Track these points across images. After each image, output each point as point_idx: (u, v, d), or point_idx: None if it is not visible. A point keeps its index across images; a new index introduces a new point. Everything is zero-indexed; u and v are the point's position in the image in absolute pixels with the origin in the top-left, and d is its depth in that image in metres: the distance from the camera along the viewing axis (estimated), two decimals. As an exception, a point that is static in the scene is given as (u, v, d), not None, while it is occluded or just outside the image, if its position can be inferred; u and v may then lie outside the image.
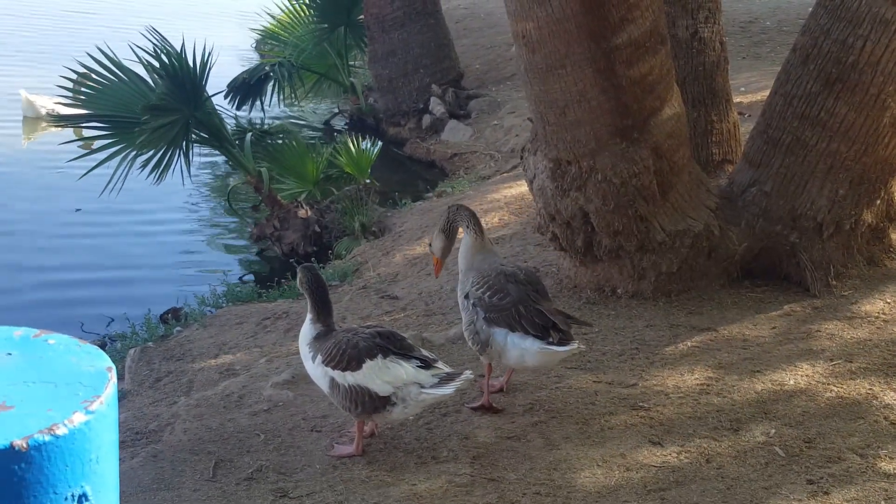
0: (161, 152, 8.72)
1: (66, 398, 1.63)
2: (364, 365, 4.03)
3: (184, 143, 8.85)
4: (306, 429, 4.53)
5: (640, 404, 4.67)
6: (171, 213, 10.94)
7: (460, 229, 4.91)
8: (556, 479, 4.05)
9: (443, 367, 4.11)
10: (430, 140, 14.00)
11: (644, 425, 4.48)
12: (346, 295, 6.86)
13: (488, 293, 4.62)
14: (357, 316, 6.23)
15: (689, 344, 5.36)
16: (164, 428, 4.62)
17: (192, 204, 11.41)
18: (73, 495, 1.59)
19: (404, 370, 4.01)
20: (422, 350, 4.19)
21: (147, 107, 8.55)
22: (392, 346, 4.09)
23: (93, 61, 8.77)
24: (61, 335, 1.84)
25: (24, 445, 1.51)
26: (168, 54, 8.67)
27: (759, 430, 4.39)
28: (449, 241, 4.99)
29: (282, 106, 15.15)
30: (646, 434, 4.40)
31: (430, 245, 5.07)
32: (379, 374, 4.00)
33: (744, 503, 3.83)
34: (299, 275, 4.37)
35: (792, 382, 4.84)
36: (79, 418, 1.59)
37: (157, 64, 8.70)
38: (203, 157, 11.49)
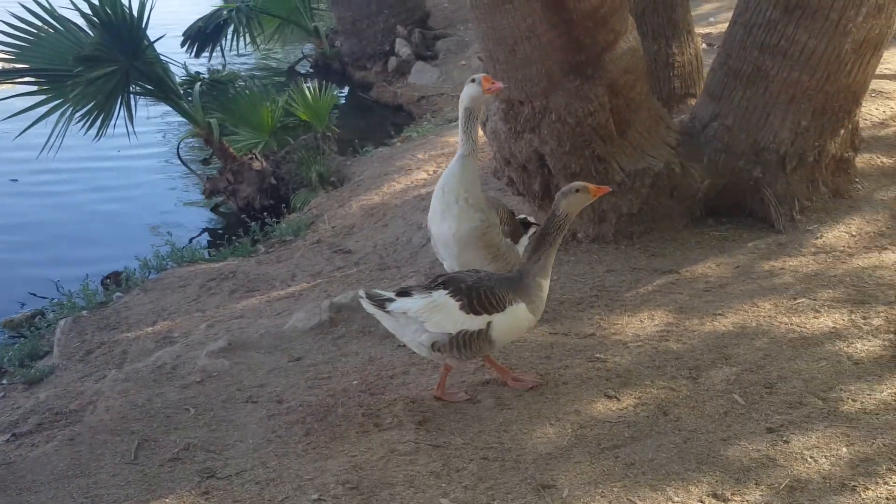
0: (99, 106, 8.28)
1: None
2: None
3: (123, 95, 8.41)
4: (241, 400, 4.27)
5: (597, 356, 4.47)
6: (117, 171, 10.57)
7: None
8: (506, 441, 3.84)
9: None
10: (396, 83, 13.63)
11: (600, 378, 4.27)
12: (298, 251, 6.59)
13: None
14: (307, 273, 5.98)
15: (649, 288, 5.15)
16: (86, 407, 4.33)
17: (141, 160, 11.01)
18: None
19: None
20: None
21: (79, 57, 8.08)
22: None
23: (25, 11, 8.30)
24: None
25: None
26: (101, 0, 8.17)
27: (718, 377, 4.20)
28: None
29: (244, 53, 14.70)
30: (602, 388, 4.19)
31: None
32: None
33: (700, 457, 3.63)
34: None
35: (753, 324, 4.64)
36: None
37: (89, 11, 8.21)
38: (153, 108, 11.09)
